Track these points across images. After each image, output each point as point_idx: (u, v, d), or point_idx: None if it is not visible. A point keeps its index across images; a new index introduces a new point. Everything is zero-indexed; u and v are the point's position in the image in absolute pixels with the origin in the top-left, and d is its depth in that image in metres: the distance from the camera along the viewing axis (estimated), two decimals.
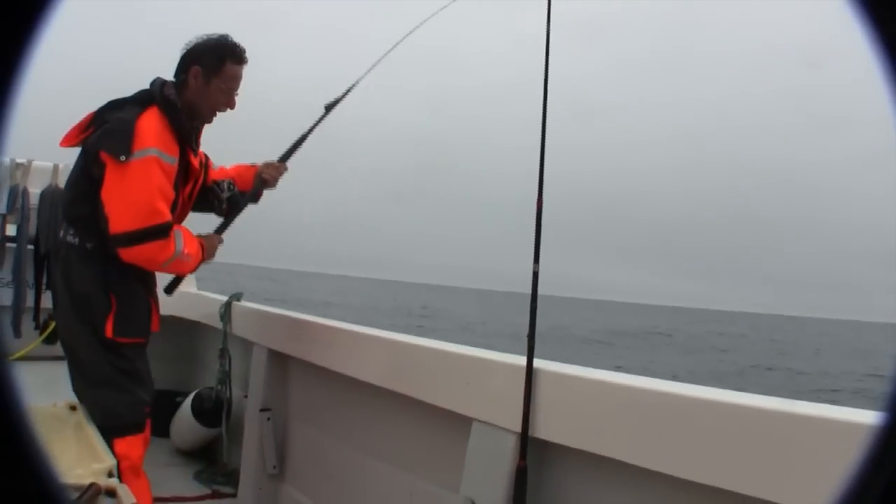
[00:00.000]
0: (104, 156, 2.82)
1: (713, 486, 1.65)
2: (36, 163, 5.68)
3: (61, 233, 3.07)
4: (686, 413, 1.77)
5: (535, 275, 2.24)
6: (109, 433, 2.88)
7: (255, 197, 3.34)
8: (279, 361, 3.84)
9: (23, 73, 0.60)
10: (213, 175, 3.37)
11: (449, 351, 2.66)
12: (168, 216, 2.86)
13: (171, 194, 2.90)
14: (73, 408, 4.04)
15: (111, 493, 2.44)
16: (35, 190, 5.57)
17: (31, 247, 5.46)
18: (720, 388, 1.85)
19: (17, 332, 5.33)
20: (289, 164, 3.38)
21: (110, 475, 3.03)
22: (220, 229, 3.29)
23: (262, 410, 3.78)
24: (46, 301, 5.51)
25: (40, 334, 5.49)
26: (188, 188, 3.17)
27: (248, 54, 3.11)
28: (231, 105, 3.11)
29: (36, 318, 5.46)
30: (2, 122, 0.61)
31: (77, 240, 2.98)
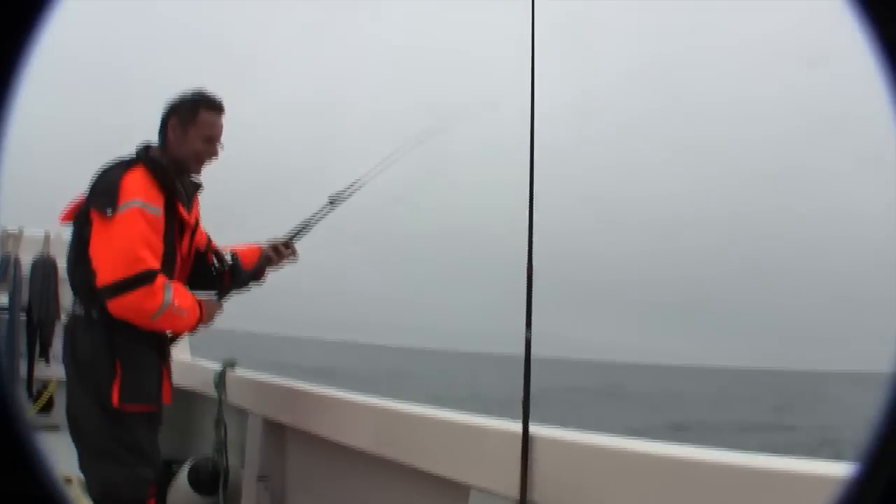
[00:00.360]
0: (93, 213, 2.87)
1: None
2: (27, 232, 5.71)
3: (70, 306, 3.09)
4: (684, 474, 1.78)
5: (528, 341, 2.26)
6: None
7: (258, 275, 3.36)
8: (275, 430, 3.84)
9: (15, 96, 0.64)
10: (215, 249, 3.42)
11: (444, 418, 2.67)
12: (152, 264, 2.83)
13: (158, 244, 2.90)
14: (68, 480, 4.03)
15: None
16: (27, 259, 5.60)
17: (23, 316, 5.49)
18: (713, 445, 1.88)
19: None
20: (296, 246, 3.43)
21: None
22: (220, 296, 3.29)
23: (259, 479, 3.77)
24: (39, 370, 5.53)
25: (34, 403, 5.49)
26: (185, 244, 3.18)
27: (224, 104, 3.16)
28: (214, 153, 3.15)
29: (29, 387, 5.45)
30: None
31: (83, 310, 2.99)
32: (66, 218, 3.11)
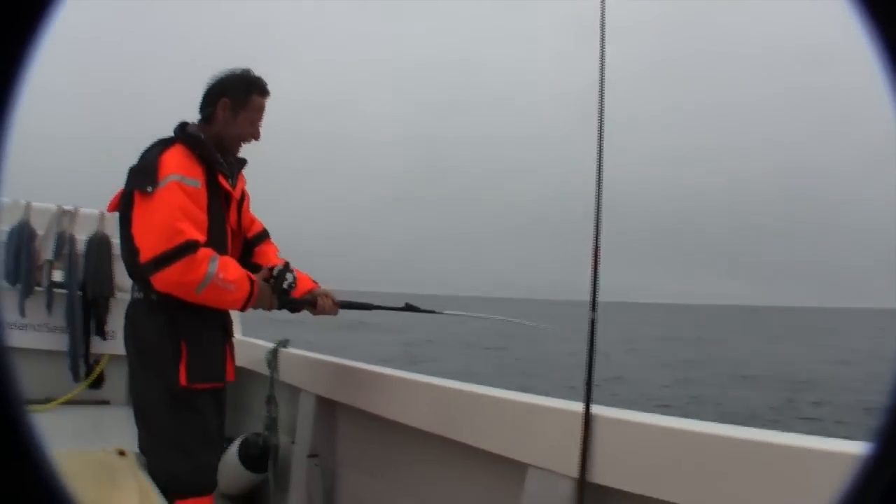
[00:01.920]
0: (135, 194, 2.87)
1: None
2: (82, 210, 5.80)
3: (128, 287, 3.11)
4: (747, 457, 1.77)
5: (592, 322, 2.24)
6: (170, 495, 2.83)
7: (295, 306, 3.23)
8: (327, 407, 3.84)
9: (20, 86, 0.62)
10: (274, 258, 3.38)
11: (502, 396, 2.65)
12: (193, 235, 2.79)
13: (200, 216, 2.87)
14: (122, 453, 4.07)
15: None
16: (82, 237, 5.69)
17: (79, 293, 5.58)
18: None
19: (77, 376, 5.43)
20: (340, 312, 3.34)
21: None
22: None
23: (309, 456, 3.78)
24: (94, 346, 5.62)
25: (86, 378, 5.58)
26: (232, 216, 3.18)
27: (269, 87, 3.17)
28: (256, 136, 3.16)
29: (86, 363, 5.55)
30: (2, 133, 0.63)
31: (142, 294, 3.00)
32: (112, 206, 3.11)
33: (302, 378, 4.00)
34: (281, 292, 3.10)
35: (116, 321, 5.54)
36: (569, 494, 2.19)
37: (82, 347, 5.50)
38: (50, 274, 5.57)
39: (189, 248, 2.76)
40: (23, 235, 5.46)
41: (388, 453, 3.42)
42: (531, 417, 2.46)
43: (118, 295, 5.58)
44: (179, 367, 2.91)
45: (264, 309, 3.12)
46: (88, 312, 5.54)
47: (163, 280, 2.79)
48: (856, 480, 0.62)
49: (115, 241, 5.54)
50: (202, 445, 2.98)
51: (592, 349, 2.21)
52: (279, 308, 3.17)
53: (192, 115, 3.14)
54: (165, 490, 2.86)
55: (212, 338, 3.06)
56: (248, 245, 3.39)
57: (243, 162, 3.24)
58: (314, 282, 3.35)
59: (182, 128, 3.06)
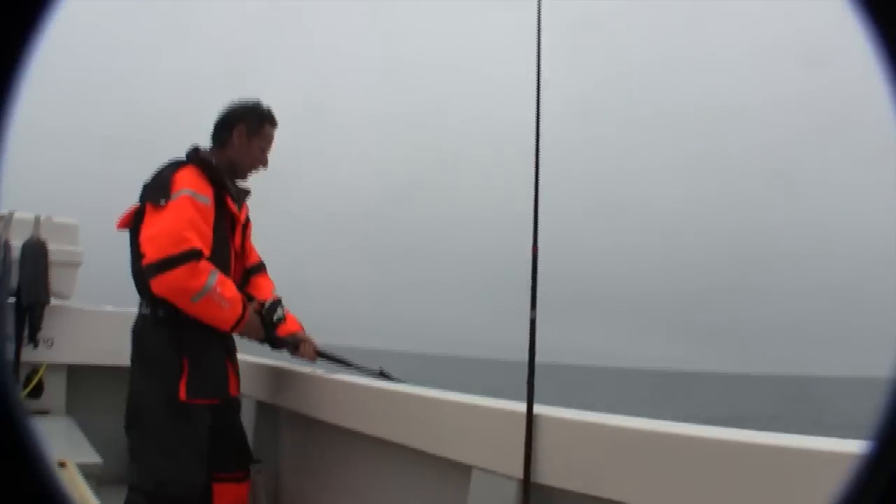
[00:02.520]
0: (147, 206, 3.00)
1: None
2: (17, 214, 5.65)
3: (137, 307, 3.19)
4: (688, 453, 1.78)
5: (533, 321, 2.26)
6: (154, 502, 2.95)
7: (275, 343, 3.40)
8: (269, 412, 3.81)
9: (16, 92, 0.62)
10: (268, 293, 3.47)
11: (446, 398, 2.66)
12: (197, 243, 2.90)
13: (206, 231, 2.99)
14: (62, 464, 3.98)
15: None
16: (17, 242, 5.54)
17: (12, 299, 5.43)
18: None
19: None
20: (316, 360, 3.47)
21: None
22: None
23: (252, 463, 3.75)
24: (27, 354, 5.47)
25: (23, 388, 5.43)
26: (237, 239, 3.30)
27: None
28: (265, 163, 3.34)
29: (16, 371, 5.39)
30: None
31: (149, 310, 3.09)
32: (123, 224, 3.19)
33: (243, 383, 3.96)
34: (269, 325, 3.27)
35: (51, 329, 5.42)
36: (513, 495, 2.18)
37: (14, 356, 5.34)
38: None
39: (193, 255, 2.88)
40: None
41: (332, 457, 3.40)
42: (475, 418, 2.47)
43: (53, 302, 5.45)
44: (180, 382, 2.98)
45: (250, 338, 3.27)
46: (22, 320, 5.40)
47: (163, 284, 2.89)
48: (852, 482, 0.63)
49: (52, 247, 5.44)
50: (193, 459, 3.03)
51: (533, 349, 2.23)
52: (263, 341, 3.33)
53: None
54: (150, 496, 2.95)
55: (214, 354, 3.13)
56: (244, 274, 3.47)
57: (247, 193, 3.38)
58: (300, 325, 3.47)
59: (195, 151, 3.19)
